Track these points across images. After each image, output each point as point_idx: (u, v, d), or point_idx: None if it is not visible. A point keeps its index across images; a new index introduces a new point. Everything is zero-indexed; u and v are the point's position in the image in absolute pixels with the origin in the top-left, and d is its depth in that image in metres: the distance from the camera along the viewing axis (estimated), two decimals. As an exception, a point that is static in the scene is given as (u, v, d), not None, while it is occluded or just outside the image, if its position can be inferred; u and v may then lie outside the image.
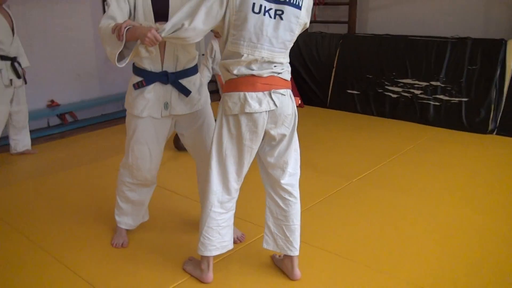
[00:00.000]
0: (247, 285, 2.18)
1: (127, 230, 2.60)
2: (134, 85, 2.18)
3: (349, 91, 5.53)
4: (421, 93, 4.97)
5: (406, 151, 4.05)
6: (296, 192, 2.14)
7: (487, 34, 4.87)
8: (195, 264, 2.24)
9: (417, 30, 5.27)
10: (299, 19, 1.87)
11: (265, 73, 1.88)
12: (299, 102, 2.12)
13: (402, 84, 5.12)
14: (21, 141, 4.14)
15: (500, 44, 4.55)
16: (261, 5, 1.78)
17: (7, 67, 3.79)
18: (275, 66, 1.91)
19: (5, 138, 4.18)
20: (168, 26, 1.83)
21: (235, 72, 1.89)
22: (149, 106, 2.19)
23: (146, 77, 2.16)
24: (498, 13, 4.94)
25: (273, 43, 1.84)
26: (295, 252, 2.18)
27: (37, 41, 4.80)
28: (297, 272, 2.18)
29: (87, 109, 5.27)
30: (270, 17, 1.81)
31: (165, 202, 3.07)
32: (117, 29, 1.88)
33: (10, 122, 4.03)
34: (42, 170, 3.77)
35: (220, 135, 1.99)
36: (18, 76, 3.88)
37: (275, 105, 1.91)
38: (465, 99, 4.69)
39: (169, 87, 2.19)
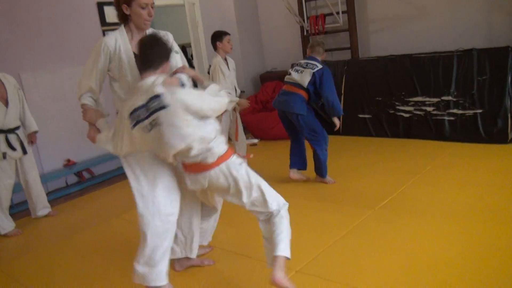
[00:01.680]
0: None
1: None
2: None
3: (360, 115, 5.49)
4: (433, 110, 4.90)
5: (427, 171, 3.96)
6: (262, 216, 2.30)
7: (491, 43, 4.83)
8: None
9: (421, 48, 5.26)
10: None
11: (190, 162, 2.24)
12: (250, 156, 2.51)
13: (413, 102, 5.06)
14: (39, 206, 4.16)
15: (506, 52, 4.49)
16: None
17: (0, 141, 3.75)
18: (192, 157, 2.19)
19: (25, 202, 4.22)
20: None
21: None
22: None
23: None
24: (500, 22, 4.90)
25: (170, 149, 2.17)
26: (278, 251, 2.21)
27: (49, 104, 4.91)
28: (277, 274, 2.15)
29: (103, 163, 5.31)
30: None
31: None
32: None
33: (26, 190, 4.06)
34: (64, 232, 3.77)
35: None
36: (13, 148, 3.79)
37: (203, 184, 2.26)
38: (480, 111, 4.61)
39: None
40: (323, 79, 3.83)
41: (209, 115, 2.22)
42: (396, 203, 3.38)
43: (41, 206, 4.16)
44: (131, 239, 3.19)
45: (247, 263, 2.78)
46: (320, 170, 4.02)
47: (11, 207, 4.12)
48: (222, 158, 2.22)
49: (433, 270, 2.42)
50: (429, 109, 4.94)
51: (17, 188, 4.09)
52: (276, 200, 2.28)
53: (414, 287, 2.30)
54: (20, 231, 3.89)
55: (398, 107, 5.17)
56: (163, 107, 2.07)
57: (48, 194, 4.68)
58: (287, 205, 2.32)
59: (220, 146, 2.22)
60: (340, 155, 4.80)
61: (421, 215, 3.11)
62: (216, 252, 2.95)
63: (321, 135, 3.98)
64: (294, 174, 4.12)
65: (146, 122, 2.11)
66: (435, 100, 4.89)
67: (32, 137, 4.01)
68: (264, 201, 2.25)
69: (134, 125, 2.15)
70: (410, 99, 5.08)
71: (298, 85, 3.90)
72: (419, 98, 5.01)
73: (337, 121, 4.02)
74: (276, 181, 4.25)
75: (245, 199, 2.24)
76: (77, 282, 2.84)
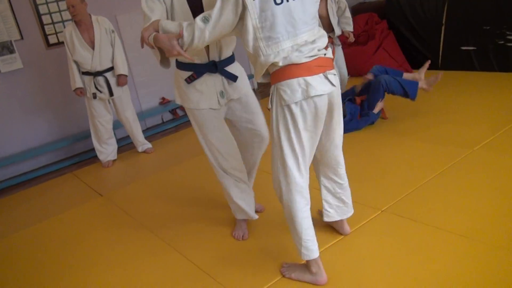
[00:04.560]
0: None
1: (247, 221, 2.64)
2: (186, 79, 2.25)
3: (463, 47, 4.97)
4: (554, 38, 4.28)
5: (539, 109, 3.53)
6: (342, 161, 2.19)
7: None
8: (300, 269, 2.13)
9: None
10: None
11: (312, 56, 1.82)
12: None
13: (528, 31, 4.45)
14: (137, 143, 4.48)
15: None
16: None
17: (89, 82, 3.98)
18: (318, 49, 1.83)
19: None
20: (185, 37, 1.82)
21: (282, 63, 1.82)
22: (203, 98, 2.27)
23: (196, 70, 2.23)
24: None
25: (308, 23, 1.80)
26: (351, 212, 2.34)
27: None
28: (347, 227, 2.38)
29: (195, 101, 5.51)
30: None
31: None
32: (142, 40, 1.95)
33: (124, 127, 4.39)
34: (161, 165, 4.05)
35: (280, 127, 1.89)
36: (100, 91, 4.00)
37: (333, 85, 1.87)
38: None
39: (218, 75, 2.27)
40: None
41: None
42: (498, 144, 3.09)
43: (139, 143, 4.47)
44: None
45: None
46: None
47: (118, 141, 4.51)
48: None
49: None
50: (548, 37, 4.31)
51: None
52: None
53: (506, 232, 2.13)
54: (110, 163, 4.29)
55: (509, 37, 4.58)
56: None
57: (146, 130, 5.04)
58: None
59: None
60: (437, 91, 4.44)
61: (527, 157, 2.82)
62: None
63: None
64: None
65: None
66: (557, 27, 4.24)
67: (119, 80, 4.09)
68: (340, 143, 2.13)
69: None
70: (525, 27, 4.47)
71: None
72: (537, 26, 4.39)
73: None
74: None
75: (339, 128, 2.05)
76: (171, 212, 3.07)
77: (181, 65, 2.28)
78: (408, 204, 2.55)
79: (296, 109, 1.83)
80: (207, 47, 2.19)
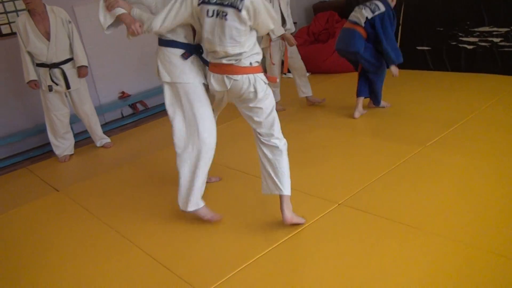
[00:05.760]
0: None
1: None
2: (183, 55, 2.43)
3: (418, 47, 5.17)
4: (501, 41, 4.50)
5: (486, 108, 3.72)
6: (263, 138, 2.38)
7: None
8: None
9: (492, -29, 4.74)
10: (240, 19, 2.12)
11: (222, 62, 2.28)
12: (277, 80, 2.46)
13: (478, 33, 4.67)
14: (96, 138, 4.38)
15: None
16: (213, 10, 2.16)
17: (45, 74, 3.86)
18: (229, 59, 2.24)
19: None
20: (146, 23, 2.35)
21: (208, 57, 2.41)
22: (200, 74, 2.48)
23: (188, 49, 2.44)
24: None
25: (222, 41, 2.18)
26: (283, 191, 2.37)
27: (103, 38, 4.99)
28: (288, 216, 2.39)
29: (156, 96, 5.44)
30: (221, 18, 2.15)
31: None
32: (109, 2, 2.34)
33: (82, 121, 4.28)
34: (119, 161, 3.98)
35: None
36: (56, 83, 3.89)
37: (226, 87, 2.31)
38: (555, 42, 4.18)
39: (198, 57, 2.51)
40: (383, 24, 3.67)
41: (270, 28, 2.29)
42: (447, 141, 3.24)
43: (98, 138, 4.38)
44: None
45: (252, 180, 2.85)
46: (376, 100, 4.06)
47: (75, 136, 4.40)
48: (252, 69, 2.28)
49: (479, 210, 2.35)
50: (496, 40, 4.54)
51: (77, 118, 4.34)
52: (280, 131, 2.38)
53: (456, 224, 2.25)
54: (67, 158, 4.18)
55: (461, 38, 4.80)
56: (236, 7, 2.10)
57: (105, 124, 4.94)
58: (287, 143, 2.40)
59: (254, 57, 2.29)
60: (393, 89, 4.60)
61: (472, 155, 2.97)
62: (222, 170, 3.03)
63: (380, 69, 3.89)
64: (359, 103, 4.02)
65: (215, 7, 2.16)
66: (504, 30, 4.47)
67: (80, 71, 3.99)
68: (271, 125, 2.35)
69: (201, 3, 2.20)
70: (476, 29, 4.68)
71: (356, 23, 3.78)
72: (486, 28, 4.60)
73: (394, 70, 3.81)
74: (328, 117, 4.19)
75: (257, 116, 2.34)
76: (129, 207, 3.03)
77: (171, 43, 2.43)
78: (364, 198, 2.64)
79: (210, 86, 2.44)
80: (193, 31, 2.43)
